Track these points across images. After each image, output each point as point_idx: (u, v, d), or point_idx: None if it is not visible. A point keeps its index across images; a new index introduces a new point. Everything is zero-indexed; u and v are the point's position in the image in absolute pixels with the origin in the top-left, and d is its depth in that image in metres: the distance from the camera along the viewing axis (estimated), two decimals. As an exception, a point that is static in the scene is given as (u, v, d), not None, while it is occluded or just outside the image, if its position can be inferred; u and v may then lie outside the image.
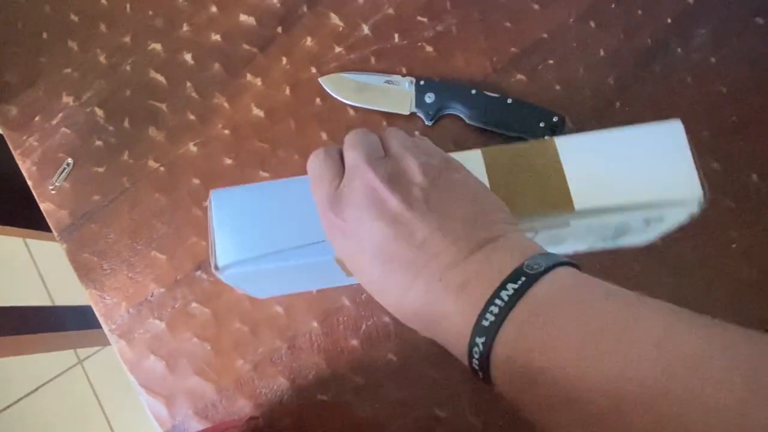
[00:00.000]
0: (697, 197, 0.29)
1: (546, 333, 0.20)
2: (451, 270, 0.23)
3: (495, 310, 0.21)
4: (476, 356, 0.22)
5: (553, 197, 0.30)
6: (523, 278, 0.21)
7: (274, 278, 0.34)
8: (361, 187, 0.25)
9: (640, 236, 0.36)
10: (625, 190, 0.29)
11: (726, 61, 0.43)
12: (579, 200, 0.30)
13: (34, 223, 0.65)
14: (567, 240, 0.34)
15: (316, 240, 0.30)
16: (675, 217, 0.31)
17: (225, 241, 0.30)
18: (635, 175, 0.30)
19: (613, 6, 0.45)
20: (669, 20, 0.44)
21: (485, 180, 0.30)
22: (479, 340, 0.21)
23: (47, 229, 0.45)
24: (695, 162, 0.29)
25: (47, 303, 1.16)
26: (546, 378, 0.20)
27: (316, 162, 0.28)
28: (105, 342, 0.62)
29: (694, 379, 0.17)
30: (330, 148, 0.29)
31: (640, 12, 0.44)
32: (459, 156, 0.31)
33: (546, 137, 0.33)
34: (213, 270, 0.30)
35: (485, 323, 0.21)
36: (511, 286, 0.21)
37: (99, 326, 0.43)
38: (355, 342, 0.40)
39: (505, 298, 0.21)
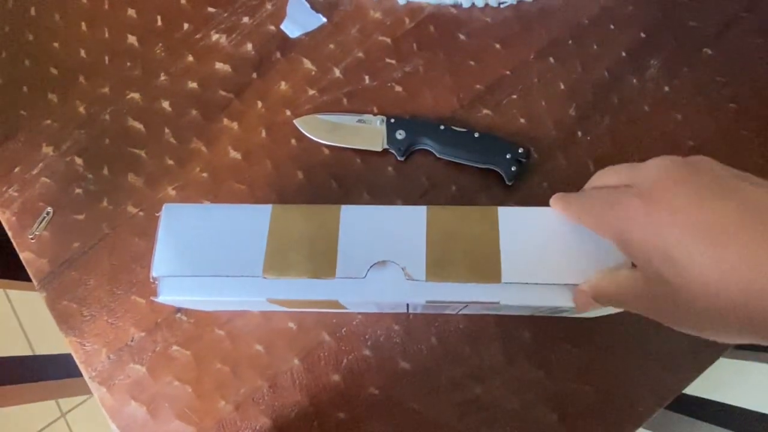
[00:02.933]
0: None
1: None
2: None
3: None
4: None
5: (483, 268, 0.31)
6: None
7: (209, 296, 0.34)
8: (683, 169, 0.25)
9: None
10: (554, 270, 0.30)
11: (679, 89, 0.46)
12: (507, 275, 0.30)
13: (13, 273, 0.64)
14: (502, 310, 0.36)
15: (251, 274, 0.31)
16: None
17: (165, 253, 0.32)
18: (567, 253, 0.31)
19: (570, 42, 0.47)
20: (623, 53, 0.47)
21: (423, 236, 0.31)
22: None
23: (26, 278, 0.45)
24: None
25: (28, 353, 1.13)
26: None
27: (577, 202, 0.30)
28: (87, 391, 0.61)
29: None
30: (575, 195, 0.31)
31: (595, 47, 0.47)
32: (405, 210, 0.32)
33: (493, 204, 0.35)
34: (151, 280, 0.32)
35: None
36: None
37: (81, 375, 0.42)
38: (336, 377, 0.40)
39: None
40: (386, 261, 0.31)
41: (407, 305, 0.37)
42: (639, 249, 0.25)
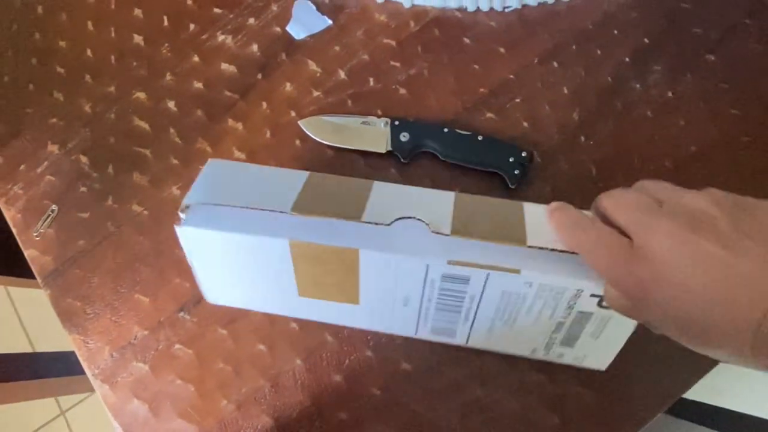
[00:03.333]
0: None
1: None
2: None
3: None
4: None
5: (509, 232, 0.31)
6: None
7: (231, 256, 0.34)
8: (676, 221, 0.25)
9: (596, 342, 0.35)
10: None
11: (682, 95, 0.46)
12: (532, 239, 0.30)
13: (15, 270, 0.65)
14: (521, 313, 0.34)
15: (280, 209, 0.32)
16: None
17: (199, 188, 0.33)
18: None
19: (574, 47, 0.47)
20: (627, 59, 0.47)
21: (449, 215, 0.32)
22: None
23: (28, 275, 0.45)
24: None
25: (28, 350, 1.14)
26: None
27: (584, 236, 0.28)
28: (87, 389, 0.61)
29: None
30: (582, 221, 0.29)
31: (599, 52, 0.47)
32: (433, 193, 0.33)
33: (515, 198, 0.34)
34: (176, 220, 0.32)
35: None
36: None
37: (81, 372, 0.43)
38: (338, 377, 0.41)
39: None
40: (413, 217, 0.31)
41: (416, 326, 0.36)
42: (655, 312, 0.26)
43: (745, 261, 0.23)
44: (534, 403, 0.40)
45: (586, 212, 0.31)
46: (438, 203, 0.33)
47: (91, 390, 0.43)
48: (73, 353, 0.43)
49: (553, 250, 0.30)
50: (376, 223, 0.31)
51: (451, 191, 0.34)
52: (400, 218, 0.31)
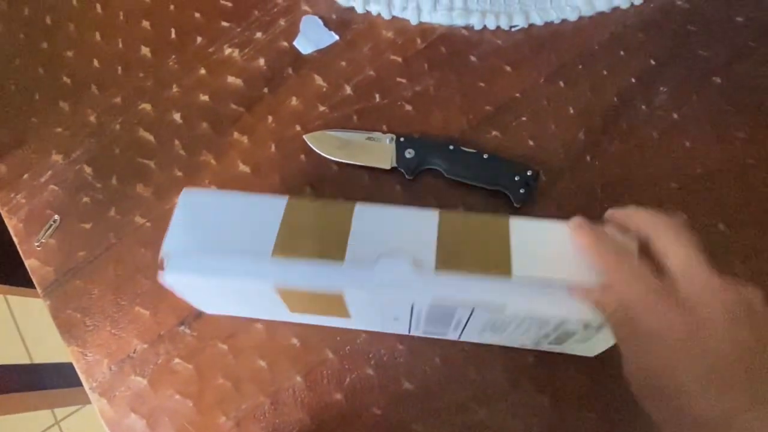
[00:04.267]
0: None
1: None
2: None
3: None
4: None
5: (493, 260, 0.31)
6: None
7: (216, 285, 0.34)
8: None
9: (583, 344, 0.36)
10: (563, 273, 0.30)
11: (688, 117, 0.46)
12: (517, 269, 0.30)
13: (15, 280, 0.64)
14: (509, 328, 0.35)
15: (261, 253, 0.31)
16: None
17: (177, 232, 0.32)
18: (576, 265, 0.31)
19: (580, 67, 0.48)
20: (633, 80, 0.47)
21: (433, 244, 0.31)
22: None
23: (27, 285, 0.45)
24: None
25: (26, 361, 1.13)
26: None
27: (624, 262, 0.29)
28: (84, 401, 0.61)
29: None
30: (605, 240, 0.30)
31: (605, 72, 0.47)
32: (417, 212, 0.33)
33: (506, 212, 0.34)
34: (159, 265, 0.31)
35: None
36: None
37: (78, 384, 0.42)
38: (339, 396, 0.40)
39: None
40: (396, 255, 0.31)
41: (409, 325, 0.37)
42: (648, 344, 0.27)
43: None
44: (537, 426, 0.39)
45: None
46: (421, 229, 0.32)
47: (88, 402, 0.43)
48: (70, 364, 0.42)
49: (539, 278, 0.30)
50: (361, 262, 0.31)
51: (436, 210, 0.32)
52: (383, 254, 0.31)
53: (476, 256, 0.31)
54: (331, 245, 0.31)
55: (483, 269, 0.30)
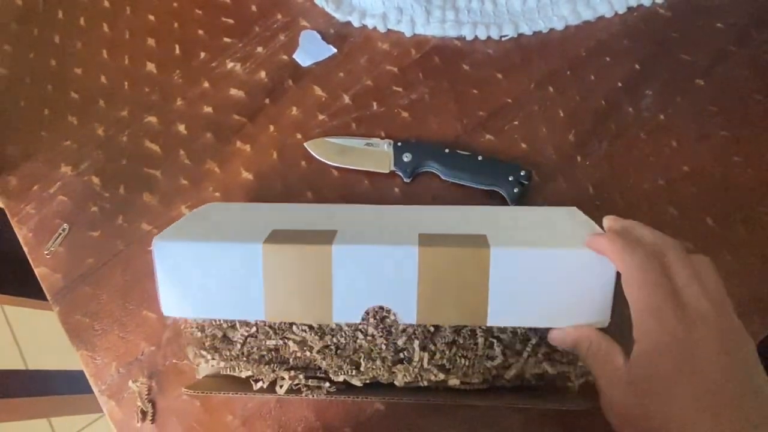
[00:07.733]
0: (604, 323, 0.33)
1: None
2: None
3: None
4: None
5: (472, 304, 0.33)
6: None
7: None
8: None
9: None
10: (539, 315, 0.33)
11: (673, 117, 0.48)
12: (493, 318, 0.33)
13: (23, 290, 0.65)
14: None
15: (255, 317, 0.36)
16: None
17: (169, 292, 0.35)
18: (554, 299, 0.33)
19: (568, 72, 0.50)
20: (619, 84, 0.49)
21: (414, 293, 0.33)
22: None
23: (29, 295, 0.46)
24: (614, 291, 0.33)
25: (21, 367, 1.14)
26: None
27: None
28: (79, 411, 0.61)
29: None
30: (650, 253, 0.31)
31: (592, 77, 0.49)
32: (396, 251, 0.33)
33: (484, 246, 0.33)
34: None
35: None
36: None
37: (75, 392, 0.43)
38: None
39: None
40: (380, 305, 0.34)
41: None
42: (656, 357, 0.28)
43: None
44: None
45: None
46: (402, 278, 0.33)
47: (87, 411, 0.43)
48: (70, 372, 0.43)
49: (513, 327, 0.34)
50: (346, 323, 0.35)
51: (415, 246, 0.32)
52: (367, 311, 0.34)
53: (455, 301, 0.33)
54: (317, 305, 0.33)
55: (460, 316, 0.33)
